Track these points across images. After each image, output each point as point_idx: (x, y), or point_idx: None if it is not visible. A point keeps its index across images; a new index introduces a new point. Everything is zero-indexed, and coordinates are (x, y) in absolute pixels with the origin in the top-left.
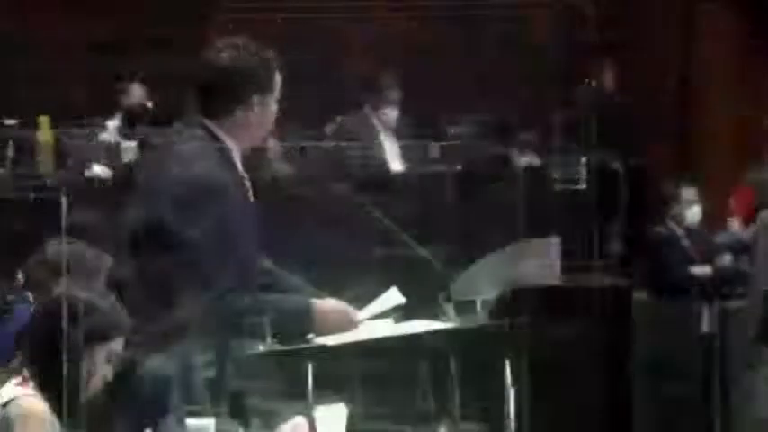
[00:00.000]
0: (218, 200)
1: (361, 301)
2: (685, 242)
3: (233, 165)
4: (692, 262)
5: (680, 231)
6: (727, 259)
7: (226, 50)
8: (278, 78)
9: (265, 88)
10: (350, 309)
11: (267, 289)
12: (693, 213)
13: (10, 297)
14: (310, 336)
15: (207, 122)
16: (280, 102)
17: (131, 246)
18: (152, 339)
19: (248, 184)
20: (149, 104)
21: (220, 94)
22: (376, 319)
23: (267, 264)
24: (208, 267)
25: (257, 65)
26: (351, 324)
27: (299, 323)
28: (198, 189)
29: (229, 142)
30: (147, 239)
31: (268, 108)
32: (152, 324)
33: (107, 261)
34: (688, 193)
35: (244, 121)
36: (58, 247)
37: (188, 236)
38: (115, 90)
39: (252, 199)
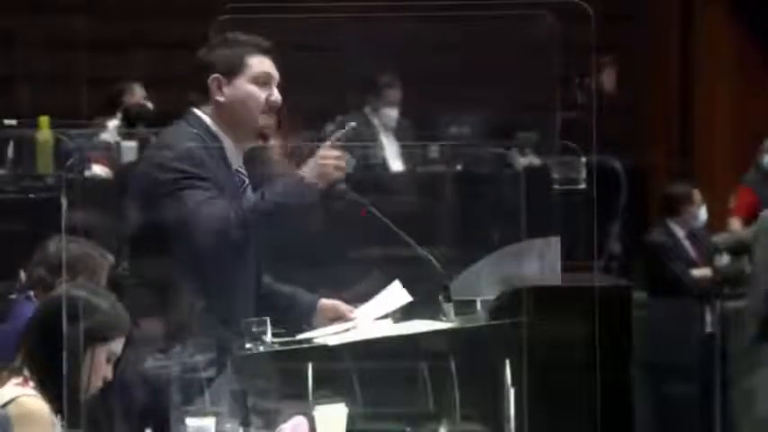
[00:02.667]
0: (185, 158)
1: (362, 301)
2: (686, 243)
3: (222, 158)
4: (693, 263)
5: (681, 232)
6: (726, 260)
7: (212, 43)
8: (252, 60)
9: (229, 69)
10: (348, 308)
11: (262, 300)
12: (700, 214)
13: (12, 296)
14: (310, 335)
15: (201, 114)
16: (282, 92)
17: (128, 242)
18: (152, 338)
19: (246, 180)
20: (149, 104)
21: (196, 85)
22: (379, 318)
23: (265, 278)
24: (197, 256)
25: (218, 48)
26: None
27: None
28: (164, 150)
29: (222, 135)
30: (137, 233)
31: (240, 88)
32: (149, 322)
33: (108, 258)
34: (696, 193)
35: (218, 105)
36: (58, 245)
37: (171, 223)
38: (115, 90)
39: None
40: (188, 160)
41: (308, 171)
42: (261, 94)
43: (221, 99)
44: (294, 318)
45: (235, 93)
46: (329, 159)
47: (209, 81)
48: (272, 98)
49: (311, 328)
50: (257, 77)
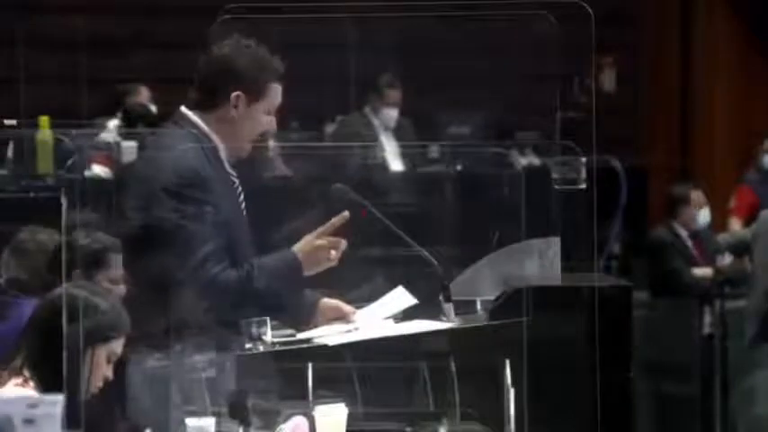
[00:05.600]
0: (191, 183)
1: (363, 301)
2: (689, 243)
3: (217, 159)
4: (696, 262)
5: (684, 232)
6: (728, 260)
7: (224, 47)
8: (273, 88)
9: (254, 91)
10: (350, 308)
11: None
12: (702, 215)
13: (5, 297)
14: (310, 335)
15: (191, 116)
16: (277, 113)
17: (126, 246)
18: (150, 338)
19: (237, 182)
20: (151, 104)
21: (206, 87)
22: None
23: None
24: (190, 252)
25: (248, 65)
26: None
27: (287, 277)
28: (169, 172)
29: (214, 138)
30: (135, 242)
31: (255, 114)
32: (144, 321)
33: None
34: (697, 195)
35: (226, 118)
36: (22, 242)
37: (162, 223)
38: (121, 90)
39: (241, 198)
40: (190, 186)
41: (300, 253)
42: (265, 122)
43: (233, 115)
44: (295, 317)
45: (250, 117)
46: (323, 249)
47: (232, 96)
48: (271, 128)
49: (312, 327)
50: (269, 108)
